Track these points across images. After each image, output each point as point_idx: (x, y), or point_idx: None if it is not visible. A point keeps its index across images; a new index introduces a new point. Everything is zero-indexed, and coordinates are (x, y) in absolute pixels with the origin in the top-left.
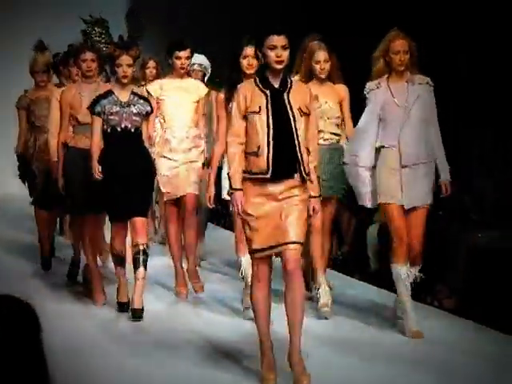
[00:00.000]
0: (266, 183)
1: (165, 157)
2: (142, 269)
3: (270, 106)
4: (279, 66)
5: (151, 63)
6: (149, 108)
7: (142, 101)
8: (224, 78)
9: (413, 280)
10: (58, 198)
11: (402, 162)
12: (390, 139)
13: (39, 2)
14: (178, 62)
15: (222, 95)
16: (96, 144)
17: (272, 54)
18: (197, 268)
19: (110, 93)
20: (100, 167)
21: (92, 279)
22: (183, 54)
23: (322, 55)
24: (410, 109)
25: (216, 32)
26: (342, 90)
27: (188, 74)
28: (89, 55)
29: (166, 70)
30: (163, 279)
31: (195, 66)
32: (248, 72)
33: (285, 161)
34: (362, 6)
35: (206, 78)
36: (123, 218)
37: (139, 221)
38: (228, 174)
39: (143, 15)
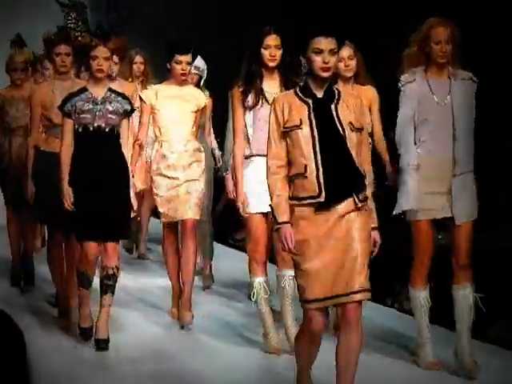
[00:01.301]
0: (319, 213)
1: (163, 175)
2: (109, 295)
3: (313, 117)
4: (325, 74)
5: (138, 58)
6: (128, 106)
7: (119, 98)
8: (242, 71)
9: (473, 303)
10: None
11: (455, 170)
12: (429, 143)
13: (39, 2)
14: (178, 67)
15: (238, 89)
16: (66, 154)
17: (318, 59)
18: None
19: (83, 90)
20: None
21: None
22: (184, 58)
23: (345, 51)
24: (454, 109)
25: (216, 31)
26: (371, 92)
27: None
28: (64, 49)
29: (160, 69)
30: (158, 301)
31: (191, 69)
32: (270, 64)
33: (338, 181)
34: (359, 5)
35: (202, 82)
36: (94, 237)
37: (112, 245)
38: (270, 205)
39: (138, 11)
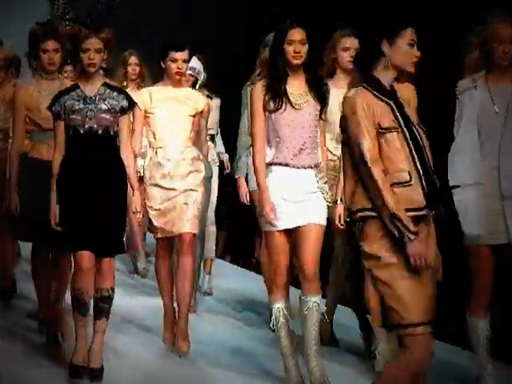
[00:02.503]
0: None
1: (158, 185)
2: (103, 319)
3: (400, 119)
4: (413, 69)
5: (133, 59)
6: (125, 102)
7: (115, 93)
8: (267, 69)
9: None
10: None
11: (502, 190)
12: (487, 158)
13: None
14: (173, 66)
15: (258, 88)
16: (59, 156)
17: (411, 53)
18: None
19: (74, 87)
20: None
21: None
22: (180, 55)
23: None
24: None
25: (216, 32)
26: (410, 90)
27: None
28: (52, 44)
29: (155, 73)
30: (148, 323)
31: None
32: (294, 62)
33: (436, 191)
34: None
35: (198, 85)
36: (88, 245)
37: (107, 261)
38: (393, 214)
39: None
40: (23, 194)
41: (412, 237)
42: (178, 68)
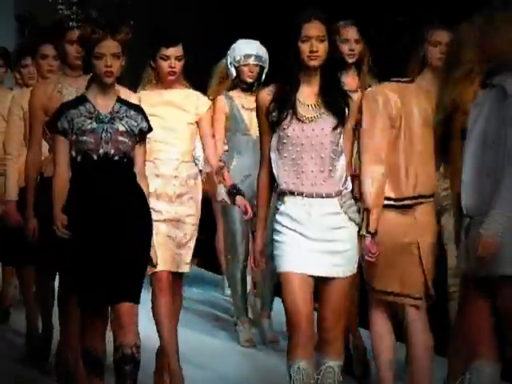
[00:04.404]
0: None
1: None
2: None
3: None
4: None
5: None
6: (144, 123)
7: (132, 111)
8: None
9: None
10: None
11: None
12: None
13: None
14: (165, 65)
15: (261, 95)
16: (62, 181)
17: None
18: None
19: (82, 100)
20: (65, 219)
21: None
22: (172, 51)
23: (445, 36)
24: None
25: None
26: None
27: (238, 72)
28: (77, 35)
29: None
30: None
31: (251, 60)
32: (311, 63)
33: None
34: None
35: (263, 76)
36: (100, 303)
37: (127, 308)
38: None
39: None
40: (45, 222)
41: None
42: (171, 67)
